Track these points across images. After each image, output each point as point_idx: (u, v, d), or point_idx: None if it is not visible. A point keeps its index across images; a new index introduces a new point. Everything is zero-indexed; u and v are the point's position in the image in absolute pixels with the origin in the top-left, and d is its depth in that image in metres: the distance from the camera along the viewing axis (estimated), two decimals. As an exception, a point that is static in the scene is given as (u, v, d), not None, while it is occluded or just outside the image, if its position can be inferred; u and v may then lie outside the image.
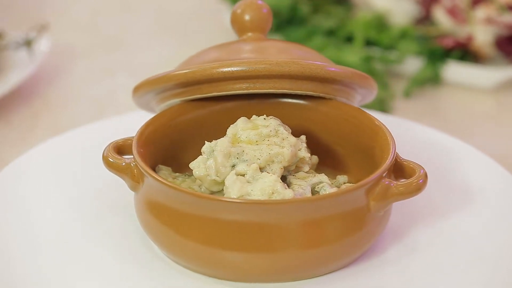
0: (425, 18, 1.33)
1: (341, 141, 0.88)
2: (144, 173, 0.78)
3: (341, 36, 1.31)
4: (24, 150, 1.01)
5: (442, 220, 0.84)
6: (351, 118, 0.87)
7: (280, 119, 0.84)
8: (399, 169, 0.81)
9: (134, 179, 0.80)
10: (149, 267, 0.79)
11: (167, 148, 0.86)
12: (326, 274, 0.78)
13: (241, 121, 0.83)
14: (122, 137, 0.94)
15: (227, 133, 0.82)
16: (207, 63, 0.83)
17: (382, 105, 1.18)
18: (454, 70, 1.25)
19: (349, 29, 1.31)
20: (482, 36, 1.25)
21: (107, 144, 0.86)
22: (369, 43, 1.30)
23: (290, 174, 0.82)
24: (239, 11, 0.89)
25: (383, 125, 0.84)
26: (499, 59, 1.28)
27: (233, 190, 0.77)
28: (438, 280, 0.77)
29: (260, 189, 0.77)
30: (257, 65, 0.81)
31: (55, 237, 0.82)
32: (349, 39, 1.31)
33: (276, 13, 1.34)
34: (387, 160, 0.79)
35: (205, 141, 0.82)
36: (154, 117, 0.85)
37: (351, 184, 0.84)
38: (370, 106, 1.15)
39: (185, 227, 0.76)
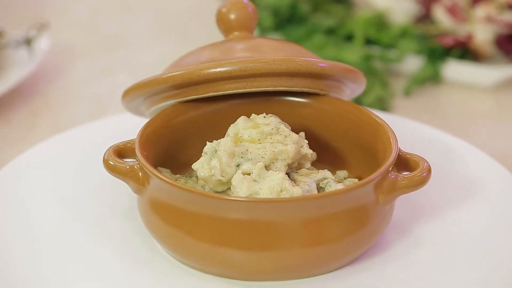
0: (425, 17, 1.33)
1: (338, 136, 0.88)
2: (152, 176, 0.77)
3: (341, 35, 1.31)
4: (24, 149, 1.01)
5: (442, 219, 0.85)
6: (348, 114, 0.87)
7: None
8: (401, 163, 0.81)
9: (139, 182, 0.79)
10: (152, 266, 0.79)
11: (165, 149, 0.85)
12: (335, 270, 0.78)
13: (242, 120, 0.83)
14: (122, 136, 0.94)
15: (228, 133, 0.82)
16: (202, 63, 0.83)
17: (382, 104, 1.18)
18: (454, 69, 1.25)
19: (349, 27, 1.31)
20: (482, 34, 1.25)
21: (107, 143, 0.86)
22: (369, 41, 1.30)
23: (293, 171, 0.82)
24: (224, 10, 0.90)
25: (382, 119, 0.85)
26: (499, 57, 1.28)
27: (241, 189, 0.77)
28: (441, 276, 0.77)
29: (268, 188, 0.77)
30: (255, 63, 0.81)
31: (55, 237, 0.82)
32: (349, 37, 1.32)
33: (276, 12, 1.34)
34: (392, 154, 0.79)
35: (207, 142, 0.82)
36: (152, 118, 0.85)
37: (352, 179, 0.85)
38: (370, 104, 1.15)
39: (197, 228, 0.75)
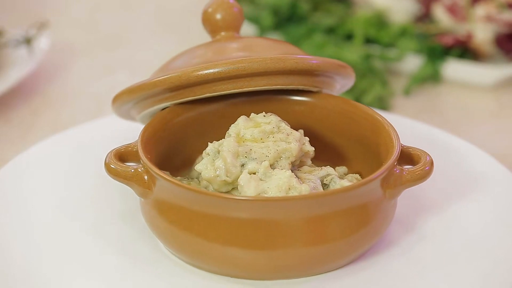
0: (425, 16, 1.33)
1: (335, 133, 0.89)
2: (161, 179, 0.77)
3: (341, 34, 1.32)
4: (24, 148, 1.01)
5: (443, 217, 0.85)
6: (344, 110, 0.88)
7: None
8: (403, 157, 0.82)
9: (144, 185, 0.79)
10: (154, 266, 0.79)
11: (164, 152, 0.85)
12: (342, 267, 0.78)
13: (242, 120, 0.82)
14: (122, 135, 0.94)
15: (229, 133, 0.82)
16: (197, 65, 0.83)
17: (381, 103, 1.18)
18: (454, 68, 1.25)
19: (349, 27, 1.31)
20: (482, 34, 1.25)
21: (107, 142, 0.86)
22: (368, 41, 1.30)
23: (295, 169, 0.82)
24: (210, 10, 0.90)
25: (380, 114, 0.85)
26: (498, 57, 1.28)
27: (249, 189, 0.77)
28: (443, 271, 0.78)
29: (276, 186, 0.77)
30: (252, 62, 0.81)
31: (55, 236, 0.82)
32: (349, 37, 1.32)
33: (276, 11, 1.34)
34: (396, 148, 0.80)
35: (208, 143, 0.82)
36: (151, 121, 0.84)
37: (354, 175, 0.85)
38: (370, 104, 1.15)
39: (208, 229, 0.75)
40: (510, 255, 0.80)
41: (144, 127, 0.83)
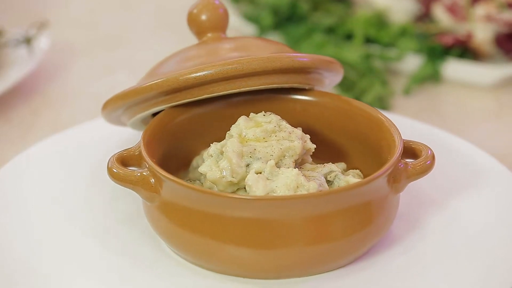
0: (425, 16, 1.33)
1: (332, 130, 0.89)
2: (171, 182, 0.76)
3: (340, 34, 1.32)
4: (24, 148, 1.01)
5: (442, 218, 0.85)
6: (339, 107, 0.88)
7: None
8: (404, 151, 0.82)
9: (151, 189, 0.78)
10: (156, 266, 0.79)
11: (163, 154, 0.84)
12: (346, 265, 0.79)
13: (243, 120, 0.82)
14: (122, 134, 0.94)
15: (231, 133, 0.82)
16: (194, 66, 0.82)
17: (381, 103, 1.18)
18: (454, 68, 1.25)
19: (348, 26, 1.31)
20: (482, 33, 1.25)
21: (107, 142, 0.86)
22: (368, 40, 1.30)
23: (297, 167, 0.82)
24: (195, 11, 0.90)
25: (376, 110, 0.86)
26: (498, 56, 1.28)
27: (258, 189, 0.76)
28: (443, 270, 0.78)
29: (284, 185, 0.77)
30: (250, 62, 0.81)
31: (55, 236, 0.82)
32: (349, 36, 1.32)
33: (276, 11, 1.34)
34: (399, 142, 0.80)
35: (210, 144, 0.81)
36: (150, 124, 0.84)
37: (354, 170, 0.85)
38: (370, 103, 1.15)
39: (219, 230, 0.75)
40: (510, 254, 0.80)
41: (144, 130, 0.83)
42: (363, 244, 0.78)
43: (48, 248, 0.81)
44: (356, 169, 0.86)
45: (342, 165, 0.86)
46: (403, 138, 0.82)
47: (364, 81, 1.21)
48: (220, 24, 0.90)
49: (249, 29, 1.35)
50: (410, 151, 0.82)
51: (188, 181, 0.84)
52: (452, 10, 1.29)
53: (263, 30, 1.33)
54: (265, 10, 1.34)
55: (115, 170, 0.79)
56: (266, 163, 0.79)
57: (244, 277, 0.77)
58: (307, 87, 0.88)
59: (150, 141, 0.82)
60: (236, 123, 0.82)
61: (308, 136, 0.83)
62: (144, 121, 0.89)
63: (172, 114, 0.86)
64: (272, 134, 0.81)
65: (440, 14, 1.30)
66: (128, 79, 1.24)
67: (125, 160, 0.81)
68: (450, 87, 1.25)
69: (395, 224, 0.83)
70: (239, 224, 0.74)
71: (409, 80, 1.25)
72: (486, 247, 0.81)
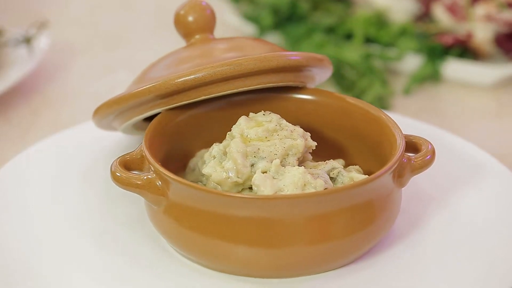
0: (425, 15, 1.33)
1: (328, 127, 0.89)
2: (181, 184, 0.75)
3: (340, 34, 1.32)
4: (24, 148, 1.01)
5: (442, 218, 0.85)
6: (337, 105, 0.88)
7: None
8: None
9: (158, 192, 0.77)
10: (158, 266, 0.79)
11: (163, 156, 0.84)
12: (350, 263, 0.79)
13: (244, 120, 0.82)
14: (121, 135, 0.93)
15: (232, 134, 0.81)
16: (192, 67, 0.82)
17: (381, 103, 1.18)
18: (454, 67, 1.25)
19: (348, 26, 1.31)
20: (482, 33, 1.25)
21: (107, 142, 0.86)
22: (368, 40, 1.30)
23: (299, 164, 0.82)
24: (182, 12, 0.90)
25: (374, 106, 0.86)
26: (498, 56, 1.28)
27: (266, 188, 0.76)
28: (442, 271, 0.78)
29: (292, 183, 0.77)
30: (248, 62, 0.81)
31: (55, 236, 0.82)
32: (349, 36, 1.32)
33: (275, 11, 1.34)
34: (401, 137, 0.81)
35: (213, 145, 0.81)
36: (149, 127, 0.83)
37: (354, 166, 0.85)
38: (370, 103, 1.15)
39: (230, 231, 0.74)
40: (510, 254, 0.80)
41: (145, 134, 0.82)
42: (371, 239, 0.78)
43: (48, 248, 0.81)
44: (354, 165, 0.86)
45: (341, 161, 0.87)
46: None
47: (364, 81, 1.21)
48: (207, 25, 0.90)
49: (249, 29, 1.35)
50: (410, 145, 0.83)
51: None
52: (452, 10, 1.29)
53: (263, 30, 1.33)
54: (265, 10, 1.34)
55: (118, 174, 0.78)
56: (270, 162, 0.79)
57: (251, 276, 0.77)
58: (300, 85, 0.88)
59: (151, 144, 0.81)
60: (237, 123, 0.82)
61: (308, 134, 0.83)
62: (136, 125, 0.89)
63: (169, 117, 0.86)
64: (274, 133, 0.81)
65: (440, 14, 1.30)
66: (128, 79, 1.23)
67: (127, 164, 0.80)
68: (450, 87, 1.25)
69: (396, 223, 0.83)
70: (251, 224, 0.74)
71: (409, 80, 1.25)
72: (486, 247, 0.81)
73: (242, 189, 0.79)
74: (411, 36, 1.28)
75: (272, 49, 0.87)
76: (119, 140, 0.95)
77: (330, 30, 1.33)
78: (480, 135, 1.12)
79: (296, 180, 0.77)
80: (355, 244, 0.77)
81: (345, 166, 0.87)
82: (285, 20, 1.34)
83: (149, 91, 0.81)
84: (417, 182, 0.88)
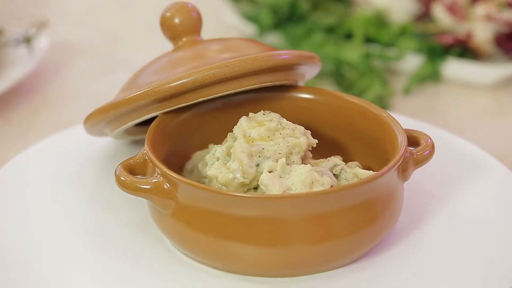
0: (425, 15, 1.33)
1: (324, 124, 0.89)
2: (193, 187, 0.75)
3: (340, 33, 1.32)
4: (24, 147, 1.01)
5: (442, 217, 0.85)
6: (334, 103, 0.89)
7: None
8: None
9: (167, 196, 0.76)
10: (158, 266, 0.79)
11: (162, 160, 0.84)
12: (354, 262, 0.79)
13: (245, 120, 0.82)
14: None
15: (234, 134, 0.81)
16: (189, 70, 0.82)
17: (381, 102, 1.18)
18: (454, 67, 1.25)
19: (348, 26, 1.31)
20: (482, 33, 1.25)
21: (107, 142, 0.85)
22: (368, 40, 1.30)
23: (302, 162, 0.82)
24: (168, 14, 0.90)
25: (371, 103, 0.87)
26: (498, 56, 1.28)
27: (275, 187, 0.76)
28: (442, 273, 0.78)
29: (299, 181, 0.77)
30: (246, 62, 0.81)
31: (55, 236, 0.82)
32: (349, 36, 1.32)
33: (275, 11, 1.34)
34: (402, 132, 0.81)
35: (216, 146, 0.81)
36: (150, 130, 0.83)
37: (353, 162, 0.86)
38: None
39: (242, 232, 0.74)
40: (510, 254, 0.80)
41: (146, 138, 0.81)
42: (378, 235, 0.78)
43: (48, 248, 0.80)
44: (351, 160, 0.87)
45: (339, 158, 0.87)
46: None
47: (364, 81, 1.21)
48: (194, 27, 0.90)
49: (249, 28, 1.35)
50: (410, 139, 0.83)
51: None
52: (452, 9, 1.29)
53: (263, 30, 1.33)
54: (265, 9, 1.34)
55: (123, 179, 0.77)
56: (275, 161, 0.79)
57: (258, 275, 0.77)
58: (293, 83, 0.88)
59: (154, 148, 0.81)
60: (238, 124, 0.82)
61: (309, 132, 0.83)
62: (127, 131, 0.88)
63: (166, 120, 0.85)
64: (276, 132, 0.81)
65: (440, 13, 1.30)
66: (128, 78, 1.23)
67: (131, 168, 0.79)
68: (450, 86, 1.25)
69: (397, 222, 0.83)
70: (265, 224, 0.74)
71: (409, 79, 1.25)
72: (486, 247, 0.81)
73: (248, 190, 0.79)
74: (411, 36, 1.28)
75: (263, 49, 0.87)
76: (118, 141, 0.95)
77: (330, 30, 1.33)
78: (480, 135, 1.12)
79: (303, 178, 0.77)
80: (363, 241, 0.77)
81: (349, 161, 0.87)
82: (285, 20, 1.34)
83: (148, 94, 0.81)
84: (417, 182, 0.88)
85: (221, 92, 0.82)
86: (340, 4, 1.40)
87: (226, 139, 0.83)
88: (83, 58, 1.32)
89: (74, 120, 1.12)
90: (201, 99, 0.83)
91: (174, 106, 0.83)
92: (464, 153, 0.94)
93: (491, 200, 0.87)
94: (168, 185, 0.76)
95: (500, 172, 0.91)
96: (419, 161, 0.81)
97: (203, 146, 0.88)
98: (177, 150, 0.86)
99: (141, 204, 0.84)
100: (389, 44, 1.28)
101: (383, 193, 0.77)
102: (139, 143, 0.94)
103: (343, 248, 0.76)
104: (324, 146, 0.89)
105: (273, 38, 1.33)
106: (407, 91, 1.23)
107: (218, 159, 0.80)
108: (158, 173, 0.78)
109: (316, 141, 0.83)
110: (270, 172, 0.78)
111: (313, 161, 0.83)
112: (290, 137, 0.81)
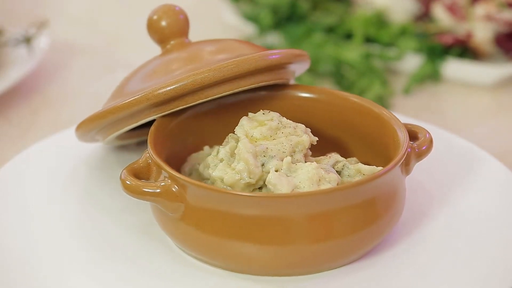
0: (425, 15, 1.33)
1: (322, 122, 0.89)
2: (203, 189, 0.74)
3: (340, 33, 1.32)
4: (24, 147, 1.01)
5: (442, 217, 0.85)
6: (327, 100, 0.89)
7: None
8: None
9: (177, 199, 0.76)
10: (159, 267, 0.79)
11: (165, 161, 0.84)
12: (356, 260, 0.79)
13: (246, 120, 0.82)
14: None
15: (237, 135, 0.81)
16: (187, 73, 0.81)
17: (381, 102, 1.18)
18: (454, 67, 1.25)
19: (348, 26, 1.31)
20: (482, 33, 1.25)
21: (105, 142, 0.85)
22: (368, 40, 1.30)
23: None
24: (155, 17, 0.89)
25: (368, 100, 0.87)
26: (498, 56, 1.28)
27: (283, 186, 0.76)
28: (442, 273, 0.78)
29: (307, 179, 0.77)
30: (244, 63, 0.81)
31: (55, 235, 0.82)
32: (349, 36, 1.32)
33: (275, 10, 1.34)
34: (402, 127, 0.82)
35: (219, 147, 0.81)
36: (151, 133, 0.82)
37: (352, 158, 0.86)
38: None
39: (254, 232, 0.74)
40: (510, 254, 0.80)
41: (149, 141, 0.81)
42: (383, 231, 0.78)
43: (48, 248, 0.80)
44: (348, 156, 0.87)
45: (337, 155, 0.87)
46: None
47: (364, 81, 1.21)
48: (182, 30, 0.90)
49: (249, 28, 1.35)
50: (409, 134, 0.84)
51: None
52: (452, 9, 1.29)
53: (262, 29, 1.33)
54: (265, 9, 1.34)
55: (128, 182, 0.76)
56: (280, 160, 0.79)
57: (264, 275, 0.77)
58: (285, 82, 0.89)
59: (157, 152, 0.80)
60: (240, 124, 0.82)
61: (309, 130, 0.83)
62: (120, 136, 0.88)
63: (164, 123, 0.85)
64: (278, 131, 0.81)
65: (440, 13, 1.30)
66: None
67: (136, 172, 0.78)
68: (449, 86, 1.25)
69: (398, 222, 0.83)
70: (279, 223, 0.74)
71: (409, 79, 1.25)
72: (486, 247, 0.81)
73: (253, 190, 0.79)
74: (411, 36, 1.28)
75: (253, 49, 0.87)
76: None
77: (330, 30, 1.33)
78: (480, 135, 1.12)
79: (311, 175, 0.77)
80: (370, 237, 0.77)
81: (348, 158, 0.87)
82: (285, 20, 1.34)
83: (147, 98, 0.80)
84: (418, 181, 0.89)
85: (220, 93, 0.82)
86: (340, 4, 1.40)
87: (226, 140, 0.83)
88: (83, 58, 1.32)
89: (74, 120, 1.12)
90: (200, 101, 0.82)
91: (172, 109, 0.83)
92: (464, 153, 0.94)
93: (491, 200, 0.87)
94: (177, 188, 0.76)
95: (500, 172, 0.91)
96: (420, 155, 0.82)
97: (198, 148, 0.88)
98: (173, 153, 0.86)
99: (143, 205, 0.84)
100: (389, 44, 1.28)
101: (389, 188, 0.78)
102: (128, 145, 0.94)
103: (352, 244, 0.76)
104: (320, 144, 0.89)
105: (273, 38, 1.33)
106: (407, 91, 1.23)
107: (222, 160, 0.80)
108: (165, 176, 0.77)
109: (317, 138, 0.83)
110: (276, 171, 0.78)
111: (313, 159, 0.83)
112: (293, 135, 0.81)
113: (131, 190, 0.76)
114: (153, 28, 0.90)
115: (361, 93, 1.19)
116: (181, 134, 0.87)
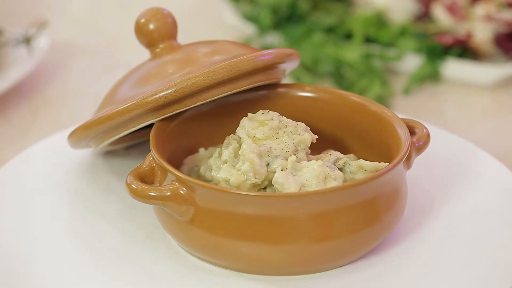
0: (425, 15, 1.33)
1: (318, 120, 0.90)
2: (215, 192, 0.74)
3: (340, 33, 1.32)
4: (24, 147, 1.01)
5: (442, 218, 0.85)
6: (325, 98, 0.89)
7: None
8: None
9: (186, 202, 0.75)
10: (159, 267, 0.79)
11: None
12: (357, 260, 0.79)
13: (247, 121, 0.82)
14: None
15: (239, 135, 0.81)
16: (186, 75, 0.81)
17: (381, 102, 1.18)
18: (453, 67, 1.25)
19: (348, 26, 1.31)
20: (482, 33, 1.25)
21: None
22: (368, 40, 1.30)
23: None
24: (143, 20, 0.89)
25: (364, 97, 0.87)
26: (498, 56, 1.28)
27: (290, 185, 0.76)
28: (442, 272, 0.78)
29: (313, 177, 0.77)
30: (243, 63, 0.81)
31: (55, 235, 0.82)
32: (349, 36, 1.32)
33: (275, 11, 1.34)
34: (401, 122, 0.82)
35: (222, 148, 0.81)
36: (152, 135, 0.82)
37: (350, 155, 0.86)
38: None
39: (266, 232, 0.74)
40: (510, 254, 0.80)
41: (151, 145, 0.80)
42: (387, 229, 0.78)
43: (48, 248, 0.81)
44: (346, 153, 0.87)
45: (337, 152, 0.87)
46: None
47: (363, 81, 1.21)
48: (170, 33, 0.89)
49: (248, 29, 1.35)
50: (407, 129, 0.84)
51: None
52: (452, 9, 1.29)
53: (262, 30, 1.33)
54: (265, 9, 1.34)
55: (134, 186, 0.75)
56: (284, 159, 0.79)
57: (270, 274, 0.77)
58: (277, 81, 0.89)
59: (160, 155, 0.80)
60: (241, 125, 0.82)
61: (308, 128, 0.83)
62: (112, 142, 0.88)
63: (162, 126, 0.84)
64: (279, 131, 0.81)
65: (440, 13, 1.30)
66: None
67: (142, 177, 0.78)
68: (449, 86, 1.25)
69: (399, 223, 0.83)
70: (291, 222, 0.74)
71: (408, 79, 1.25)
72: (486, 247, 0.81)
73: (258, 190, 0.79)
74: (411, 36, 1.28)
75: (244, 49, 0.87)
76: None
77: (330, 30, 1.33)
78: (480, 135, 1.12)
79: (317, 173, 0.77)
80: (375, 234, 0.77)
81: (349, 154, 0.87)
82: (284, 20, 1.34)
83: (146, 102, 0.80)
84: (418, 182, 0.89)
85: (218, 95, 0.82)
86: (340, 4, 1.40)
87: (226, 141, 0.83)
88: (83, 58, 1.32)
89: (74, 120, 1.12)
90: (199, 103, 0.82)
91: (171, 112, 0.82)
92: (464, 153, 0.94)
93: (491, 200, 0.87)
94: (185, 191, 0.75)
95: (500, 172, 0.91)
96: (419, 149, 0.82)
97: (193, 151, 0.87)
98: (171, 156, 0.85)
99: (146, 206, 0.84)
100: (389, 44, 1.28)
101: (395, 184, 0.78)
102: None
103: (362, 241, 0.77)
104: (316, 142, 0.89)
105: (273, 38, 1.33)
106: (407, 91, 1.23)
107: (225, 161, 0.80)
108: (172, 180, 0.77)
109: (316, 136, 0.83)
110: (281, 170, 0.78)
111: (314, 157, 0.83)
112: (294, 134, 0.81)
113: (138, 195, 0.75)
114: (141, 31, 0.90)
115: (361, 93, 1.19)
116: (178, 137, 0.86)
